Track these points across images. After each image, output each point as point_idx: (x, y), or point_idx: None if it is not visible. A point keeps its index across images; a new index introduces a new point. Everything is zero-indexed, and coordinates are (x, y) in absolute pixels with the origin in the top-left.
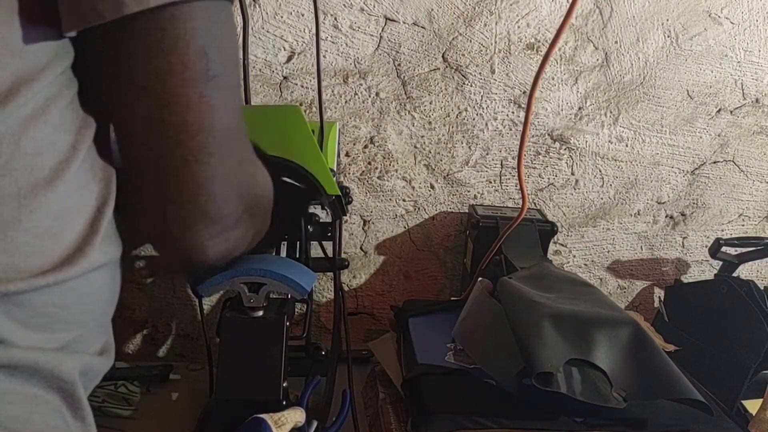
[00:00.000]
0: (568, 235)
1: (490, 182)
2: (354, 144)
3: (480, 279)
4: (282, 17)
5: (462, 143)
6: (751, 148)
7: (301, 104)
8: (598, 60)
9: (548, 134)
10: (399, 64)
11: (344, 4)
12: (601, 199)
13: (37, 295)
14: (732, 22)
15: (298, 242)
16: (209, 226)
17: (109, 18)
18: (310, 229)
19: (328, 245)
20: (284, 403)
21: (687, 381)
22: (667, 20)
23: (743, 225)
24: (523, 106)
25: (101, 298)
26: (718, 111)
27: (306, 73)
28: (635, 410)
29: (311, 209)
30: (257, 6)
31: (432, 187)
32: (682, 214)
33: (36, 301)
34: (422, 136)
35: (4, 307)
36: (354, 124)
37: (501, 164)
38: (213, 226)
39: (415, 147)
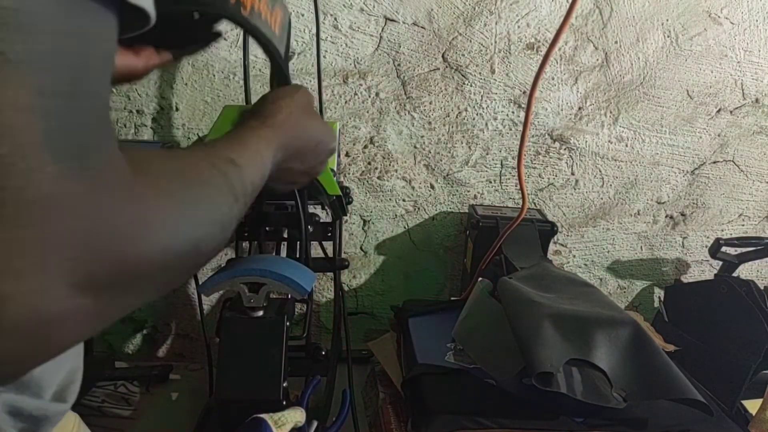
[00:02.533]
0: (568, 235)
1: (490, 182)
2: (354, 144)
3: (480, 279)
4: None
5: (462, 143)
6: (751, 148)
7: None
8: (598, 60)
9: (548, 134)
10: (399, 64)
11: (344, 5)
12: (601, 199)
13: None
14: (732, 22)
15: (298, 242)
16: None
17: None
18: (311, 229)
19: (328, 245)
20: (284, 403)
21: (687, 381)
22: (667, 20)
23: (743, 225)
24: (523, 106)
25: None
26: (718, 111)
27: (306, 73)
28: (635, 410)
29: (311, 209)
30: None
31: (432, 187)
32: (682, 214)
33: None
34: (422, 136)
35: None
36: (354, 124)
37: (501, 164)
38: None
39: (415, 147)
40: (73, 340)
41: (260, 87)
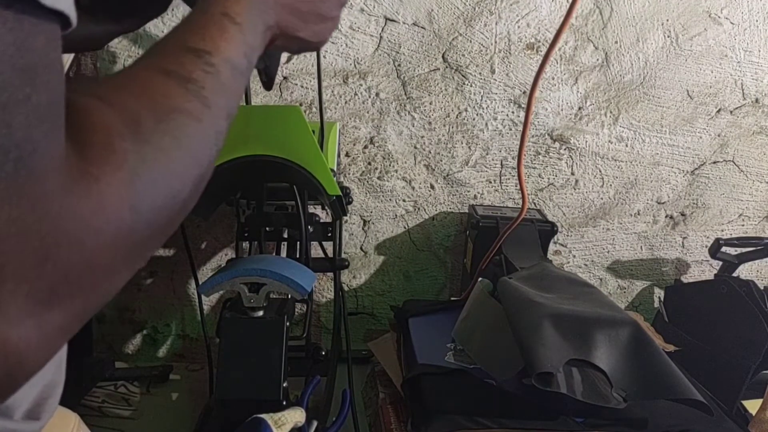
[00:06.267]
0: (568, 235)
1: (490, 182)
2: (354, 144)
3: (480, 279)
4: None
5: (462, 143)
6: (751, 148)
7: (301, 104)
8: (598, 60)
9: (548, 134)
10: (399, 65)
11: None
12: (601, 199)
13: None
14: (732, 22)
15: (298, 242)
16: None
17: None
18: (311, 229)
19: (328, 245)
20: (284, 403)
21: (687, 381)
22: (667, 20)
23: (743, 225)
24: (523, 106)
25: None
26: (718, 111)
27: (306, 73)
28: (635, 410)
29: (311, 209)
30: None
31: (432, 187)
32: (682, 214)
33: None
34: (422, 137)
35: None
36: (354, 125)
37: (501, 164)
38: None
39: (415, 147)
40: (49, 355)
41: (260, 87)
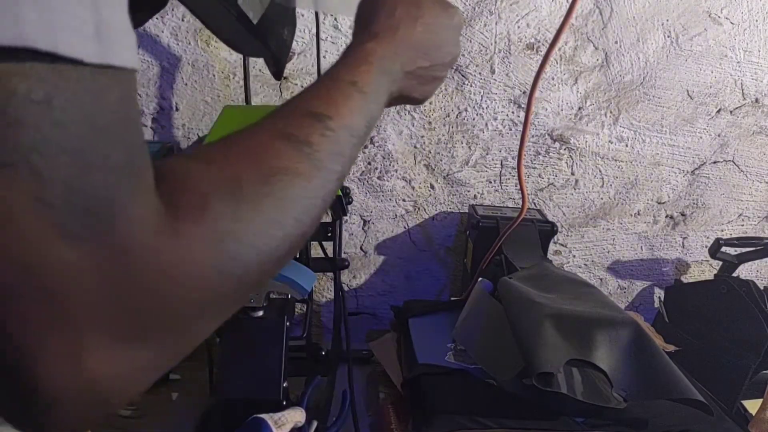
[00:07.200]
0: (568, 235)
1: (490, 182)
2: None
3: (480, 279)
4: None
5: (462, 143)
6: (751, 148)
7: None
8: (598, 60)
9: (548, 134)
10: None
11: None
12: (601, 199)
13: None
14: (732, 22)
15: None
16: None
17: None
18: None
19: (328, 245)
20: (284, 403)
21: (687, 381)
22: (667, 20)
23: (743, 225)
24: (523, 106)
25: None
26: (718, 111)
27: (306, 73)
28: (635, 410)
29: None
30: None
31: (432, 187)
32: (682, 214)
33: None
34: (422, 136)
35: None
36: None
37: (501, 164)
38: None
39: (415, 147)
40: (139, 388)
41: (260, 87)
